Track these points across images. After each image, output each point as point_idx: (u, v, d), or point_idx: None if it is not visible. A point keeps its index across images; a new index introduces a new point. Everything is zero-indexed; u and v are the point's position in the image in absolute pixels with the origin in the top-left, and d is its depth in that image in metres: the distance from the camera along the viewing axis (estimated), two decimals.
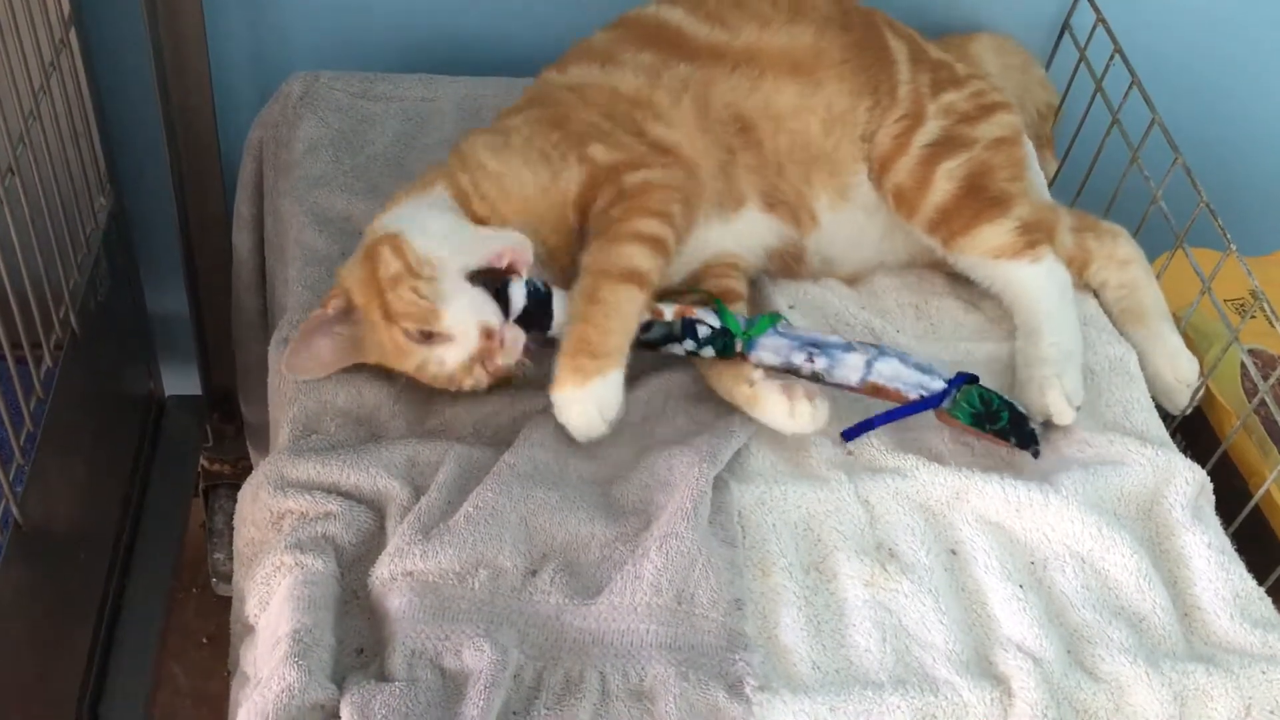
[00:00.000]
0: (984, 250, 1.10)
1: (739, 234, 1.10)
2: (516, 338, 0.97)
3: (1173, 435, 1.07)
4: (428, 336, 0.96)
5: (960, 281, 1.16)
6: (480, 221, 1.01)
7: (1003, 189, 1.10)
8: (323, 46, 1.38)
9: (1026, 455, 1.01)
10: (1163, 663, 0.88)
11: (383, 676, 0.82)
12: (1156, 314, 1.15)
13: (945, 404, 0.99)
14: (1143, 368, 1.11)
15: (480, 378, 0.98)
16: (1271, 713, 0.87)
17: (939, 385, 0.99)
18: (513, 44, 1.38)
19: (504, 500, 0.91)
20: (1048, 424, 1.03)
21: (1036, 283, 1.09)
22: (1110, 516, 0.96)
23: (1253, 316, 1.15)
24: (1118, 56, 1.27)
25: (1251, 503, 1.07)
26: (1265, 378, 1.10)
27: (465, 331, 0.96)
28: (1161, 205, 1.19)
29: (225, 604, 0.97)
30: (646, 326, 0.99)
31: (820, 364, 0.99)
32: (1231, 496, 1.05)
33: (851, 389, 1.00)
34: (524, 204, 1.02)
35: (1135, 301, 1.16)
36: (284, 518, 0.93)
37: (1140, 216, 1.22)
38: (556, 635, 0.86)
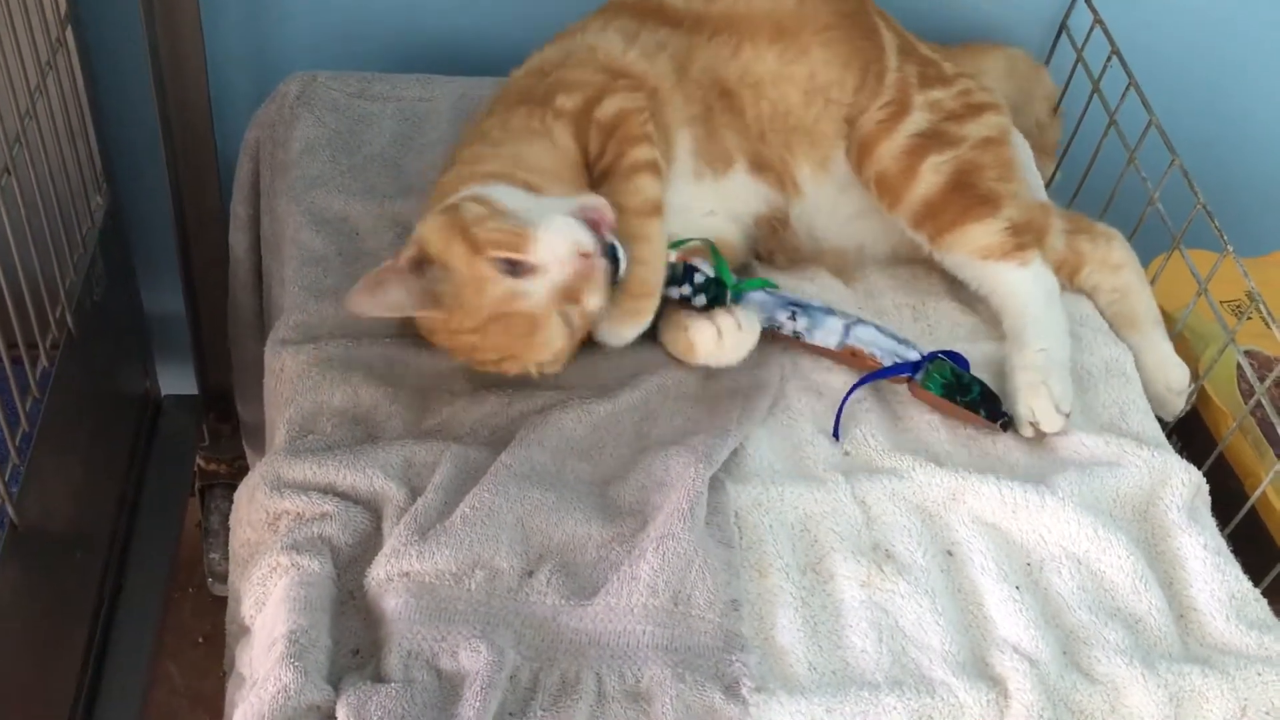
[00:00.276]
0: (971, 250, 1.09)
1: (729, 197, 1.10)
2: (606, 269, 0.96)
3: (1169, 437, 1.08)
4: (514, 267, 0.94)
5: (957, 283, 1.16)
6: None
7: (991, 188, 1.10)
8: (320, 46, 1.38)
9: (1021, 455, 1.02)
10: (1158, 664, 0.88)
11: (379, 677, 0.82)
12: (1148, 320, 1.15)
13: (918, 376, 1.01)
14: None
15: (557, 335, 0.96)
16: (1267, 714, 0.87)
17: (914, 356, 1.02)
18: (509, 44, 1.37)
19: (500, 501, 0.91)
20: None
21: (1024, 287, 1.09)
22: (1106, 518, 0.96)
23: (1249, 318, 1.15)
24: (1115, 57, 1.28)
25: (1248, 504, 1.07)
26: (1261, 379, 1.10)
27: (556, 256, 0.94)
28: (1158, 206, 1.19)
29: (221, 603, 0.97)
30: None
31: (801, 323, 1.04)
32: (1227, 498, 1.05)
33: (829, 353, 1.04)
34: (550, 178, 1.02)
35: (1127, 307, 1.16)
36: (280, 518, 0.93)
37: (1137, 217, 1.22)
38: (553, 636, 0.86)
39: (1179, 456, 1.02)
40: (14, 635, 1.05)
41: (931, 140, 1.10)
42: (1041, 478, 0.99)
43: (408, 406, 1.02)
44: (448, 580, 0.87)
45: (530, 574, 0.89)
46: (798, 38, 1.13)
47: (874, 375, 1.03)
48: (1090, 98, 1.30)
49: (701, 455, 0.94)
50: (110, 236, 1.34)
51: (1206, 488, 1.01)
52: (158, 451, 1.46)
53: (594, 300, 0.97)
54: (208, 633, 1.55)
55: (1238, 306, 1.24)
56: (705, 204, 1.10)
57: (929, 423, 1.04)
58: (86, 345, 1.23)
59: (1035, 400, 1.02)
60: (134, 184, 1.42)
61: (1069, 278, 1.17)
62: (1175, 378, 1.13)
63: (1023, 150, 1.29)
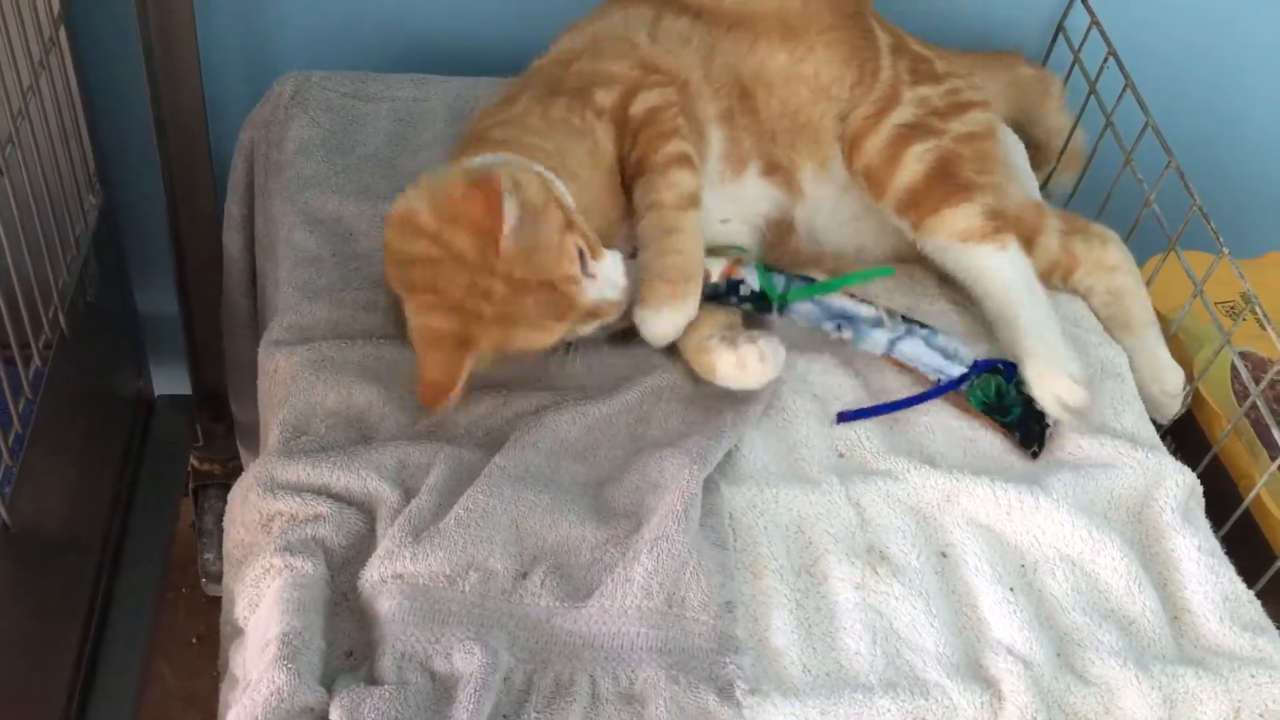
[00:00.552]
0: (950, 233, 1.10)
1: (742, 200, 1.10)
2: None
3: (1163, 438, 1.07)
4: (581, 264, 0.95)
5: (954, 284, 1.15)
6: None
7: (969, 178, 1.11)
8: (314, 46, 1.37)
9: (1015, 458, 1.02)
10: (1152, 666, 0.88)
11: (372, 679, 0.82)
12: (1143, 322, 1.15)
13: (963, 388, 1.02)
14: None
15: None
16: (1260, 716, 0.88)
17: (957, 371, 1.02)
18: (505, 44, 1.37)
19: (494, 502, 0.91)
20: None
21: (1004, 271, 1.09)
22: (1100, 519, 0.97)
23: (1244, 319, 1.16)
24: (1112, 59, 1.28)
25: (1242, 506, 1.07)
26: (1256, 381, 1.10)
27: (610, 280, 0.96)
28: (1155, 207, 1.19)
29: (215, 604, 0.97)
30: None
31: (847, 334, 1.05)
32: (1222, 500, 1.05)
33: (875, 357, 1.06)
34: (585, 179, 1.02)
35: (1122, 309, 1.16)
36: (273, 520, 0.93)
37: (1133, 218, 1.22)
38: (547, 638, 0.86)
39: (1173, 458, 1.02)
40: (7, 636, 1.05)
41: (915, 130, 1.11)
42: (1036, 479, 0.99)
43: (401, 408, 1.01)
44: (441, 582, 0.87)
45: (524, 576, 0.89)
46: (805, 36, 1.13)
47: (915, 399, 1.03)
48: (1087, 99, 1.30)
49: (696, 457, 0.94)
50: (104, 236, 1.34)
51: (1201, 489, 1.01)
52: (151, 452, 1.46)
53: (589, 329, 0.97)
54: (201, 633, 1.55)
55: (1233, 308, 1.24)
56: (723, 208, 1.10)
57: (924, 425, 1.04)
58: (80, 345, 1.23)
59: (1053, 385, 1.02)
60: (127, 184, 1.41)
61: (1064, 278, 1.17)
62: (1170, 380, 1.13)
63: (1015, 151, 1.29)
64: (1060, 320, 1.08)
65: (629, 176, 1.04)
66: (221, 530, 0.99)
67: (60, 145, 1.22)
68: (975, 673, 0.87)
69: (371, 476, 0.94)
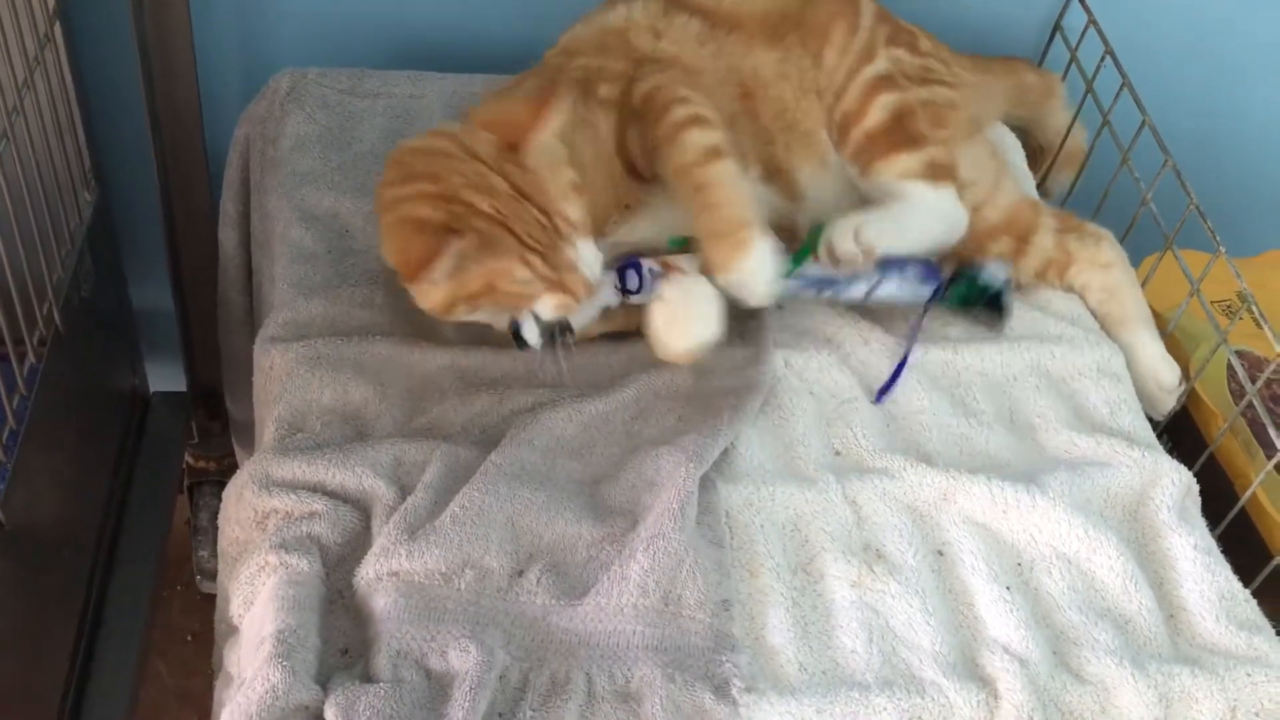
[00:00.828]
0: (891, 174, 1.11)
1: None
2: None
3: (1159, 437, 1.08)
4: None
5: None
6: None
7: (920, 131, 1.12)
8: (310, 42, 1.37)
9: (1012, 455, 1.02)
10: (1148, 664, 0.88)
11: (368, 677, 0.82)
12: (1138, 319, 1.15)
13: (939, 299, 1.09)
14: None
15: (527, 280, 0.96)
16: (1256, 715, 0.88)
17: (928, 291, 1.09)
18: (501, 41, 1.37)
19: (491, 500, 0.91)
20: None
21: (918, 193, 1.09)
22: (1097, 518, 0.97)
23: (1241, 318, 1.16)
24: (1109, 58, 1.28)
25: (1238, 505, 1.07)
26: (1253, 379, 1.10)
27: (587, 260, 0.97)
28: (1151, 206, 1.19)
29: (210, 601, 0.97)
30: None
31: (827, 294, 1.08)
32: (1218, 498, 1.05)
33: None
34: (589, 170, 1.02)
35: (1117, 305, 1.16)
36: (269, 517, 0.93)
37: (1130, 217, 1.22)
38: (543, 636, 0.86)
39: (1169, 457, 1.02)
40: (1, 633, 1.05)
41: (885, 81, 1.13)
42: (1032, 478, 0.99)
43: (397, 405, 1.01)
44: (437, 580, 0.87)
45: (520, 574, 0.88)
46: (784, 38, 1.14)
47: (913, 335, 1.08)
48: (1084, 98, 1.30)
49: (692, 455, 0.94)
50: (99, 233, 1.33)
51: (1197, 488, 1.01)
52: (146, 449, 1.45)
53: (548, 310, 0.97)
54: (196, 631, 1.55)
55: (1229, 307, 1.24)
56: None
57: (920, 423, 1.04)
58: (74, 342, 1.23)
59: (838, 229, 1.04)
60: (123, 180, 1.41)
61: (1059, 276, 1.17)
62: (1165, 376, 1.14)
63: (1013, 151, 1.29)
64: (916, 240, 1.09)
65: (648, 164, 1.04)
66: (217, 528, 0.98)
67: (55, 141, 1.22)
68: (971, 671, 0.87)
69: (367, 474, 0.94)
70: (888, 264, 1.07)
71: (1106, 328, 1.15)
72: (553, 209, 0.94)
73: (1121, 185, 1.23)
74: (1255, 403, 1.07)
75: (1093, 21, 1.32)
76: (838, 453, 1.01)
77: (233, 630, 0.90)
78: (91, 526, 1.30)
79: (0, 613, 1.05)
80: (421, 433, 0.99)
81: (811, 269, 1.06)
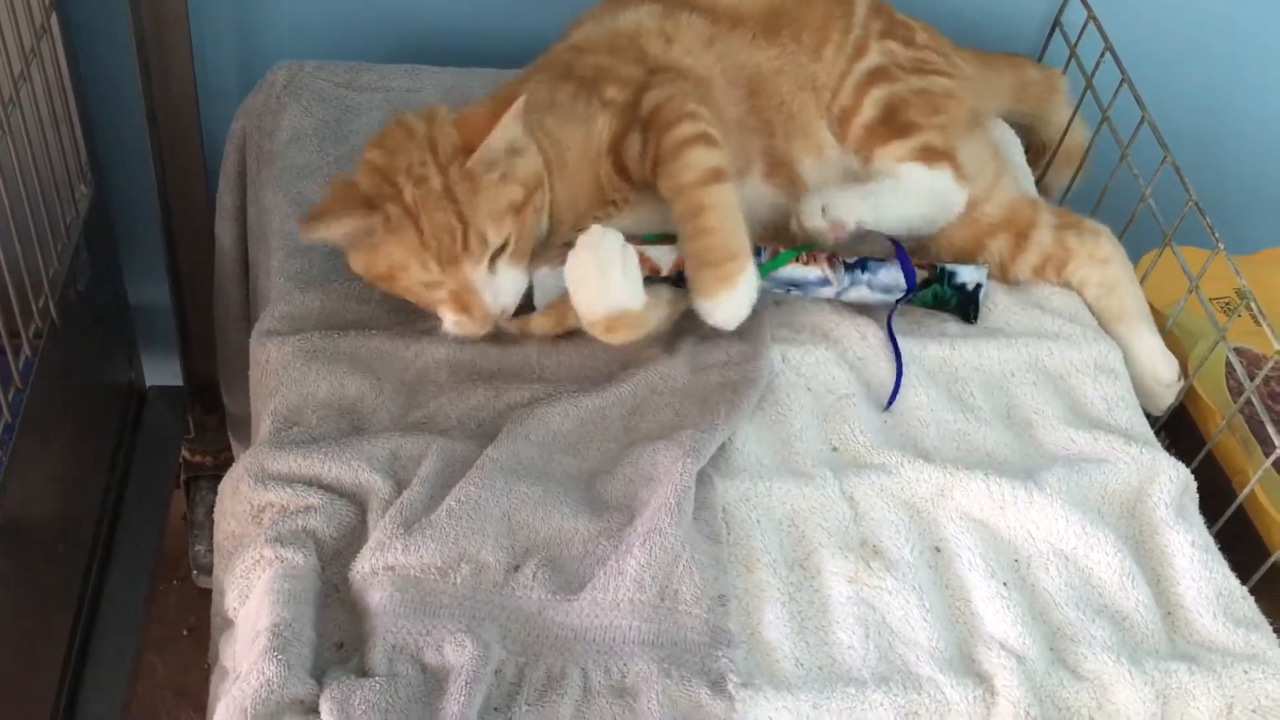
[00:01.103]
0: (889, 158, 1.13)
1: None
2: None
3: (1157, 434, 1.08)
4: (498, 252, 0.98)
5: None
6: None
7: (913, 119, 1.13)
8: (307, 35, 1.37)
9: (1009, 452, 1.02)
10: (1145, 661, 0.88)
11: (363, 671, 0.82)
12: (1136, 314, 1.15)
13: (908, 299, 1.11)
14: None
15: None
16: (1253, 711, 0.88)
17: (898, 295, 1.10)
18: (499, 35, 1.37)
19: (487, 494, 0.91)
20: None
21: (910, 172, 1.11)
22: (1094, 514, 0.96)
23: (1239, 315, 1.15)
24: (1108, 54, 1.27)
25: (1236, 502, 1.07)
26: (1251, 377, 1.10)
27: (502, 290, 0.98)
28: (1150, 203, 1.19)
29: (206, 596, 0.97)
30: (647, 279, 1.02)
31: (794, 293, 1.10)
32: (1216, 495, 1.05)
33: None
34: (572, 167, 1.03)
35: (1115, 300, 1.16)
36: (264, 511, 0.92)
37: (1129, 214, 1.22)
38: (539, 631, 0.85)
39: (1167, 454, 1.02)
40: None
41: (877, 75, 1.14)
42: (1029, 474, 0.98)
43: (394, 399, 1.01)
44: (433, 574, 0.87)
45: (516, 568, 0.88)
46: (779, 32, 1.14)
47: (893, 342, 1.08)
48: (1083, 94, 1.30)
49: (689, 450, 0.94)
50: (95, 226, 1.33)
51: (1195, 485, 1.01)
52: (142, 443, 1.45)
53: (447, 320, 0.99)
54: (192, 625, 1.55)
55: (1228, 304, 1.24)
56: None
57: (918, 419, 1.04)
58: (70, 335, 1.22)
59: (807, 204, 1.07)
60: (119, 173, 1.41)
61: (1057, 271, 1.17)
62: (1164, 370, 1.14)
63: (1012, 147, 1.29)
64: (894, 218, 1.11)
65: (649, 175, 1.04)
66: (213, 522, 0.98)
67: (51, 133, 1.21)
68: (968, 667, 0.87)
69: (363, 468, 0.93)
70: (861, 265, 1.08)
71: (1104, 323, 1.15)
72: (472, 222, 0.94)
73: (1121, 182, 1.23)
74: (1253, 400, 1.07)
75: (1092, 17, 1.31)
76: (835, 448, 1.01)
77: (228, 624, 0.89)
78: (87, 521, 1.30)
79: None
80: (418, 427, 0.99)
81: (784, 271, 1.07)
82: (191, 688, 1.49)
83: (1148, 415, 1.09)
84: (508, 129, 0.95)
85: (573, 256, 0.98)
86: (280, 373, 1.01)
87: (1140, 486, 1.00)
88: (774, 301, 1.10)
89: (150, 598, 1.35)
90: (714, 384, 1.02)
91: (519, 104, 0.95)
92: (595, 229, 0.97)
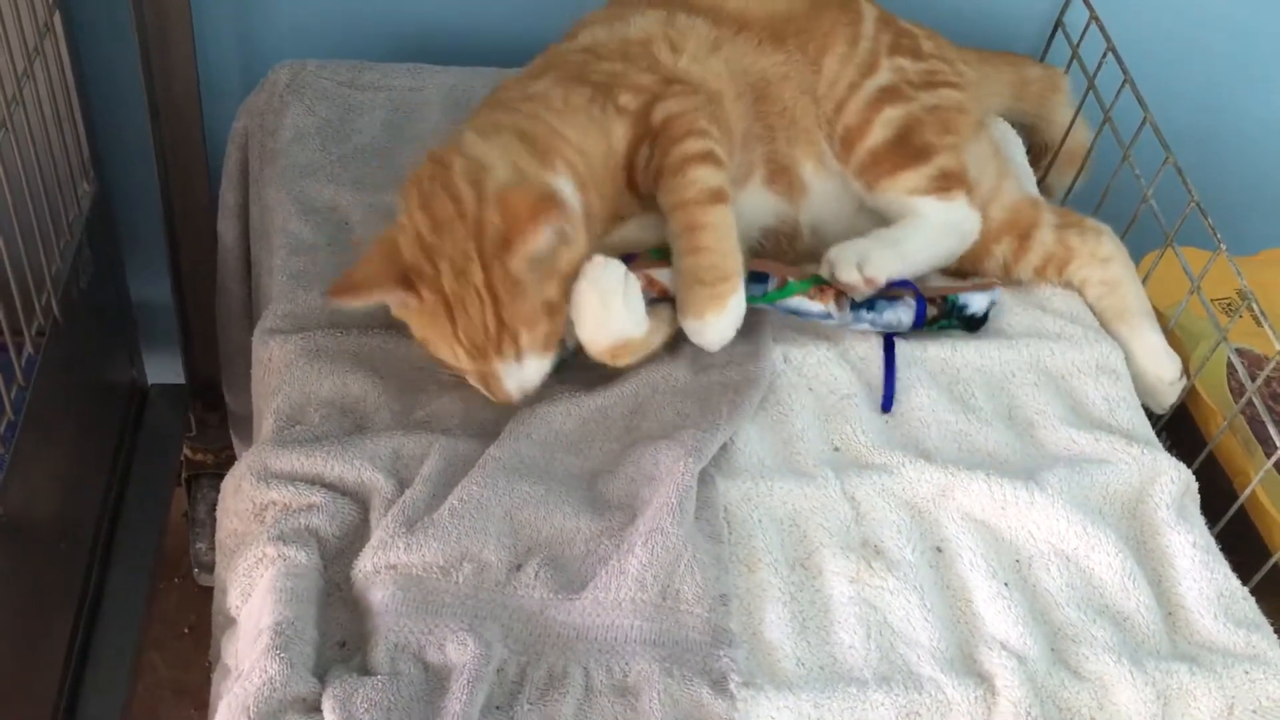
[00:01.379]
0: (900, 190, 1.12)
1: (740, 213, 1.10)
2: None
3: (1158, 434, 1.07)
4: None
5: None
6: None
7: (928, 141, 1.12)
8: (310, 34, 1.37)
9: (1011, 452, 1.02)
10: (1146, 662, 0.88)
11: (365, 670, 0.82)
12: (1138, 312, 1.15)
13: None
14: None
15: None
16: (1254, 712, 0.88)
17: (903, 329, 1.09)
18: (502, 34, 1.37)
19: (489, 494, 0.91)
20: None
21: (928, 210, 1.11)
22: (1095, 515, 0.96)
23: (1240, 316, 1.15)
24: (1110, 54, 1.27)
25: (1237, 503, 1.07)
26: (1252, 377, 1.10)
27: (524, 379, 0.98)
28: (1152, 204, 1.19)
29: (207, 594, 0.97)
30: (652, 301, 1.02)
31: (794, 318, 1.09)
32: (1217, 496, 1.05)
33: None
34: (592, 174, 1.02)
35: (1116, 299, 1.16)
36: (267, 509, 0.92)
37: (1131, 214, 1.22)
38: (541, 630, 0.86)
39: (1169, 454, 1.02)
40: None
41: (889, 94, 1.13)
42: (1031, 474, 0.98)
43: (396, 398, 1.01)
44: (435, 573, 0.87)
45: (518, 567, 0.88)
46: (785, 39, 1.14)
47: (891, 369, 1.07)
48: (1085, 94, 1.30)
49: (691, 449, 0.94)
50: (97, 224, 1.33)
51: (1196, 485, 1.01)
52: (144, 441, 1.45)
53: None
54: (193, 624, 1.55)
55: (1229, 305, 1.24)
56: None
57: (920, 419, 1.04)
58: (73, 334, 1.22)
59: (843, 256, 1.06)
60: (122, 171, 1.41)
61: (1059, 271, 1.17)
62: (1166, 368, 1.13)
63: (1013, 147, 1.29)
64: (925, 259, 1.11)
65: (652, 185, 1.03)
66: (214, 520, 0.98)
67: (54, 131, 1.21)
68: (969, 667, 0.87)
69: (366, 466, 0.93)
70: (869, 305, 1.08)
71: (1107, 321, 1.15)
72: (509, 326, 0.94)
73: (1122, 182, 1.23)
74: (1255, 400, 1.07)
75: (1094, 18, 1.31)
76: (836, 448, 1.01)
77: (230, 622, 0.89)
78: (89, 519, 1.30)
79: None
80: (420, 426, 0.99)
81: (791, 301, 1.07)
82: (192, 686, 1.49)
83: (1150, 414, 1.09)
84: (544, 236, 0.92)
85: (576, 289, 0.97)
86: (283, 371, 1.01)
87: (1141, 487, 1.00)
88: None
89: (151, 596, 1.35)
90: (716, 384, 1.02)
91: (555, 217, 0.91)
92: (597, 259, 0.97)
